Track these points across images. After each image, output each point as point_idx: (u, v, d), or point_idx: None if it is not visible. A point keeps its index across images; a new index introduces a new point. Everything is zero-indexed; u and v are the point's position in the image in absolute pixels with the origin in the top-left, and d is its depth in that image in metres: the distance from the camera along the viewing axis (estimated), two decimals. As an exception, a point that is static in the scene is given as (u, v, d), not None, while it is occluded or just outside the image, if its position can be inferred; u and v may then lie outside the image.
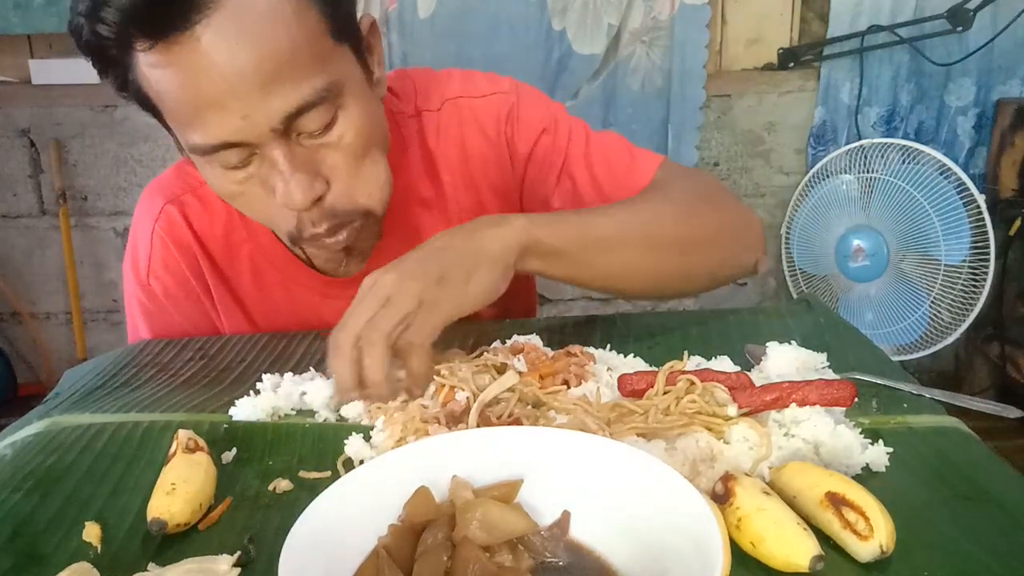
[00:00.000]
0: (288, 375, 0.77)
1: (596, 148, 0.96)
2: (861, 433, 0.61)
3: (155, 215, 0.96)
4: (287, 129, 0.73)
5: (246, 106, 0.70)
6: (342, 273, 0.95)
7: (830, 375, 0.72)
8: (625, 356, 0.77)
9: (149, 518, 0.55)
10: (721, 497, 0.52)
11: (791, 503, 0.52)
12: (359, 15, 0.81)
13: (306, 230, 0.80)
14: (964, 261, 2.01)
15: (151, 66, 0.71)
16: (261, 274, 0.98)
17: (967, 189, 1.99)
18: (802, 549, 0.48)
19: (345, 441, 0.65)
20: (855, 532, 0.49)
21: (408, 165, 0.94)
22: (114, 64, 0.73)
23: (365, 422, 0.70)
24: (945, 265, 2.02)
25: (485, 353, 0.75)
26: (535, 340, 0.80)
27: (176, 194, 0.96)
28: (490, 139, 0.96)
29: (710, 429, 0.61)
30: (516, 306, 1.06)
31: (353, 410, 0.71)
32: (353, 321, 0.67)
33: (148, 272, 0.97)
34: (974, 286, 2.02)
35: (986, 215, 1.98)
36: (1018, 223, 2.11)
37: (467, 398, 0.66)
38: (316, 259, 0.95)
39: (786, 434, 0.61)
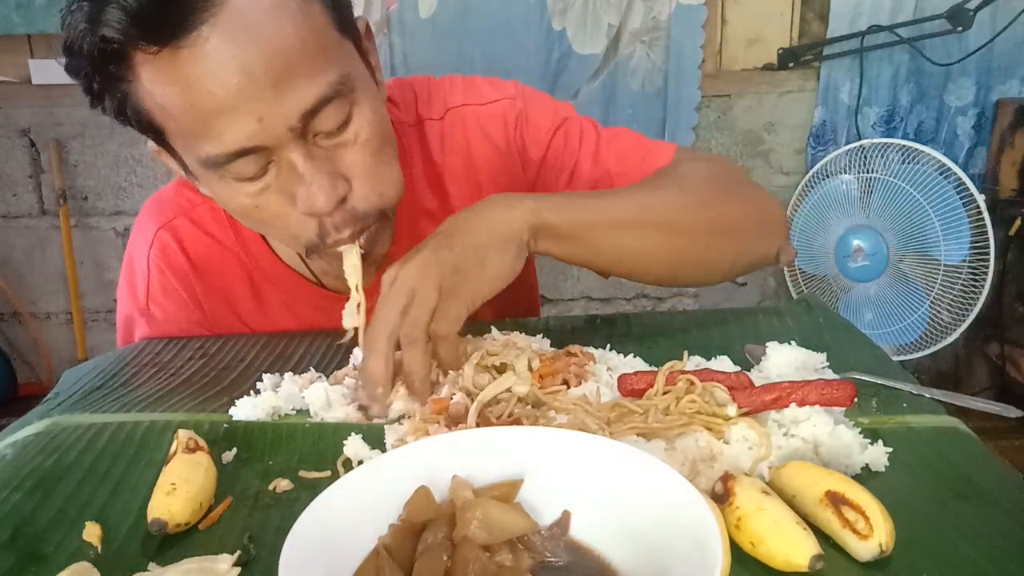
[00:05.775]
0: (288, 375, 0.77)
1: (607, 144, 0.95)
2: (861, 433, 0.61)
3: (149, 241, 0.94)
4: (304, 130, 0.71)
5: (261, 107, 0.68)
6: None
7: (830, 375, 0.72)
8: (625, 356, 0.77)
9: (149, 518, 0.55)
10: (721, 497, 0.52)
11: (790, 503, 0.52)
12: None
13: (330, 236, 0.77)
14: (964, 261, 2.01)
15: (156, 80, 0.68)
16: (262, 294, 0.97)
17: (967, 189, 1.99)
18: (802, 548, 0.48)
19: (345, 441, 0.65)
20: (855, 531, 0.49)
21: (411, 176, 0.92)
22: (113, 84, 0.70)
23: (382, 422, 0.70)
24: (945, 265, 2.03)
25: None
26: (543, 343, 0.80)
27: (168, 218, 0.94)
28: (497, 146, 0.95)
29: (710, 429, 0.61)
30: (517, 305, 1.05)
31: (394, 409, 0.69)
32: (384, 317, 0.67)
33: (147, 299, 0.96)
34: (974, 286, 2.02)
35: (986, 215, 1.98)
36: (1018, 223, 2.11)
37: (462, 394, 0.66)
38: (328, 273, 0.92)
39: (786, 434, 0.61)
